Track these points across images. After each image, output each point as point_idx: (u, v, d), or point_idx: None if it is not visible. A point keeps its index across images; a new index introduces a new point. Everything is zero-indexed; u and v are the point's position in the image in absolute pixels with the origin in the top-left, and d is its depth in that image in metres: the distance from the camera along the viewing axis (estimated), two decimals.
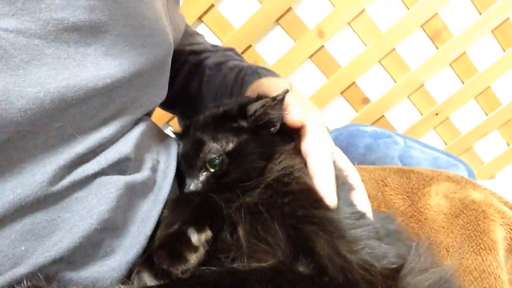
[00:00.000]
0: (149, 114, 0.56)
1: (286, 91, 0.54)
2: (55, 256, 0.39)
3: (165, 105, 0.84)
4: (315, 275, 0.40)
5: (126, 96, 0.47)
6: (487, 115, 1.68)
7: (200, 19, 1.44)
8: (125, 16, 0.45)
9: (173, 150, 0.56)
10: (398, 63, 1.58)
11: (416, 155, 1.15)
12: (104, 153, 0.45)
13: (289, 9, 1.47)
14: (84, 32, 0.42)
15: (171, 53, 0.57)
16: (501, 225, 0.58)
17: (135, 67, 0.47)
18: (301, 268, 0.41)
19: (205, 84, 0.77)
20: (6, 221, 0.37)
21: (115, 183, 0.44)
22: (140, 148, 0.49)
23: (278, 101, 0.53)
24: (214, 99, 0.74)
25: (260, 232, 0.44)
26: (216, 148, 0.53)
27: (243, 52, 1.51)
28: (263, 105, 0.53)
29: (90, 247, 0.42)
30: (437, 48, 1.57)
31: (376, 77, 1.60)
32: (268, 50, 1.53)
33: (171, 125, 1.52)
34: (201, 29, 1.46)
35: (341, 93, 1.61)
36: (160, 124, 1.49)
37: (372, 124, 1.63)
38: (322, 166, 0.52)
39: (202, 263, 0.41)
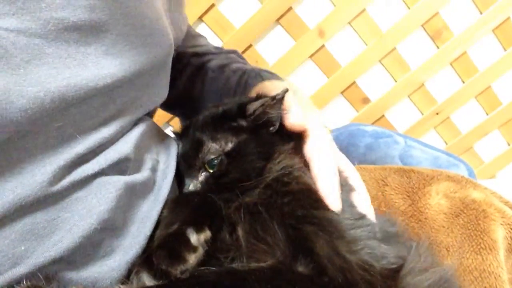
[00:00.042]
0: (150, 114, 0.56)
1: (286, 91, 0.54)
2: (55, 256, 0.39)
3: (167, 107, 0.84)
4: (315, 275, 0.40)
5: (126, 96, 0.47)
6: (487, 114, 1.68)
7: (200, 18, 1.44)
8: (126, 15, 0.45)
9: (173, 150, 0.56)
10: (398, 62, 1.58)
11: (416, 154, 1.15)
12: (104, 153, 0.45)
13: (290, 8, 1.47)
14: (85, 32, 0.42)
15: (172, 52, 0.57)
16: (501, 224, 0.58)
17: (135, 67, 0.47)
18: (301, 268, 0.41)
19: (208, 86, 0.77)
20: (6, 221, 0.37)
21: (115, 183, 0.44)
22: (140, 149, 0.49)
23: (278, 101, 0.53)
24: (217, 102, 0.74)
25: (260, 232, 0.44)
26: (215, 148, 0.52)
27: (243, 52, 1.51)
28: (263, 104, 0.53)
29: (90, 247, 0.42)
30: (437, 47, 1.57)
31: (376, 76, 1.60)
32: (268, 50, 1.53)
33: (171, 125, 1.52)
34: (201, 28, 1.46)
35: (342, 92, 1.61)
36: (160, 124, 1.49)
37: (373, 123, 1.63)
38: (326, 170, 0.52)
39: (201, 263, 0.41)
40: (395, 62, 1.58)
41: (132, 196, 0.46)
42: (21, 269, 0.37)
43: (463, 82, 1.63)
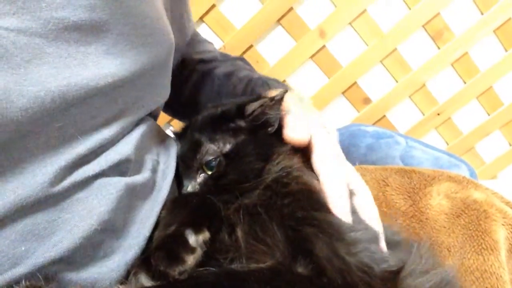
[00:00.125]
0: (152, 114, 0.56)
1: (285, 91, 0.53)
2: (54, 257, 0.39)
3: (173, 113, 0.84)
4: (314, 276, 0.40)
5: (128, 96, 0.47)
6: (489, 115, 1.68)
7: (201, 19, 1.44)
8: (126, 15, 0.45)
9: (173, 151, 0.56)
10: (399, 63, 1.58)
11: (417, 155, 1.15)
12: (104, 154, 0.45)
13: (291, 9, 1.47)
14: (85, 31, 0.42)
15: (173, 52, 0.57)
16: (502, 225, 0.58)
17: (136, 66, 0.47)
18: (300, 269, 0.40)
19: (214, 94, 0.76)
20: (7, 221, 0.37)
21: (116, 184, 0.44)
22: (141, 150, 0.49)
23: (276, 101, 0.53)
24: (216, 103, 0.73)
25: (259, 233, 0.43)
26: (213, 149, 0.52)
27: (244, 52, 1.51)
28: (261, 105, 0.53)
29: (90, 248, 0.41)
30: (438, 48, 1.57)
31: (377, 77, 1.60)
32: (269, 50, 1.53)
33: (172, 125, 1.52)
34: (202, 29, 1.46)
35: (343, 93, 1.61)
36: (161, 124, 1.49)
37: (374, 124, 1.63)
38: (335, 185, 0.50)
39: (200, 264, 0.41)
40: (396, 62, 1.58)
41: (133, 197, 0.46)
42: (20, 269, 0.37)
43: (465, 83, 1.63)
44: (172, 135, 0.61)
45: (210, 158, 0.52)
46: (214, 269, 0.41)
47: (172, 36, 0.56)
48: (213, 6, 1.43)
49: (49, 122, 0.39)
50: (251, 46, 1.51)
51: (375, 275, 0.41)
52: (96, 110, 0.43)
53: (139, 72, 0.47)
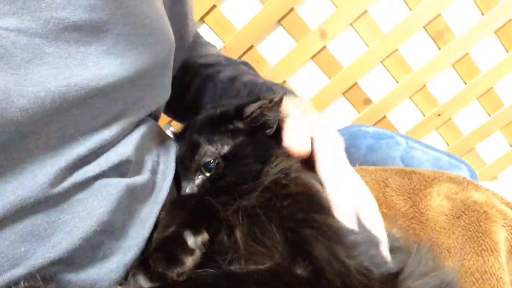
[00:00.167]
0: (152, 115, 0.55)
1: (284, 94, 0.53)
2: (54, 258, 0.39)
3: (175, 116, 0.84)
4: (313, 278, 0.40)
5: (128, 97, 0.47)
6: (489, 116, 1.68)
7: (202, 19, 1.44)
8: (126, 15, 0.45)
9: (173, 151, 0.56)
10: (400, 64, 1.58)
11: (418, 156, 1.15)
12: (105, 155, 0.44)
13: (291, 9, 1.47)
14: (85, 31, 0.42)
15: (173, 52, 0.57)
16: (503, 226, 0.58)
17: (136, 67, 0.47)
18: (299, 271, 0.40)
19: (217, 98, 0.75)
20: (7, 222, 0.37)
21: (116, 185, 0.44)
22: (141, 150, 0.49)
23: (275, 103, 0.53)
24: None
25: (258, 234, 0.43)
26: (212, 151, 0.52)
27: (245, 53, 1.51)
28: (260, 107, 0.53)
29: (90, 249, 0.41)
30: (439, 49, 1.57)
31: (378, 77, 1.60)
32: (270, 51, 1.53)
33: (172, 125, 1.52)
34: (203, 29, 1.46)
35: (343, 93, 1.61)
36: (161, 124, 1.49)
37: (374, 124, 1.63)
38: (340, 191, 0.50)
39: (199, 265, 0.41)
40: (397, 63, 1.57)
41: (133, 198, 0.46)
42: (20, 270, 0.37)
43: (465, 84, 1.62)
44: (171, 135, 0.61)
45: (208, 159, 0.52)
46: (212, 270, 0.41)
47: (172, 36, 0.56)
48: (214, 6, 1.43)
49: (49, 123, 0.39)
50: (251, 47, 1.51)
51: (374, 278, 0.41)
52: (97, 111, 0.43)
53: (139, 72, 0.47)
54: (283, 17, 1.47)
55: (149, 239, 0.46)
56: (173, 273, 0.39)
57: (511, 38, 1.57)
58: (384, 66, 1.58)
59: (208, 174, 0.52)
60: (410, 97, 1.63)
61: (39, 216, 0.39)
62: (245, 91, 0.71)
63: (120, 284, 0.42)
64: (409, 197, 0.62)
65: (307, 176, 0.51)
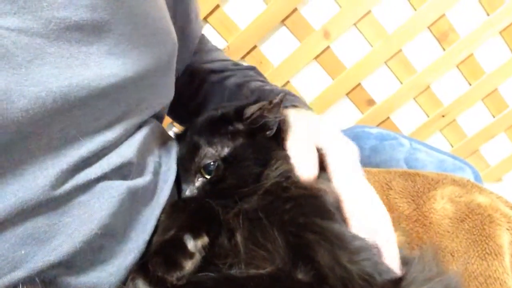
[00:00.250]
0: (156, 116, 0.55)
1: (283, 95, 0.53)
2: (54, 261, 0.38)
3: (181, 121, 0.83)
4: (314, 283, 0.39)
5: (131, 98, 0.47)
6: (494, 117, 1.67)
7: (205, 19, 1.44)
8: (128, 14, 0.45)
9: (174, 153, 0.55)
10: (404, 64, 1.57)
11: (421, 157, 1.14)
12: (107, 157, 0.44)
13: (295, 9, 1.47)
14: (86, 31, 0.41)
15: (176, 53, 0.57)
16: (507, 229, 0.57)
17: (139, 67, 0.46)
18: (300, 276, 0.40)
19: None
20: (7, 224, 0.37)
21: (118, 188, 0.43)
22: (143, 152, 0.49)
23: (275, 104, 0.52)
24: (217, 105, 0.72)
25: (259, 238, 0.43)
26: (212, 153, 0.52)
27: (248, 53, 1.51)
28: (260, 108, 0.52)
29: (90, 252, 0.41)
30: (443, 49, 1.56)
31: (382, 78, 1.59)
32: (273, 51, 1.53)
33: (175, 126, 1.52)
34: (206, 29, 1.46)
35: (347, 94, 1.60)
36: (164, 124, 1.49)
37: (378, 126, 1.62)
38: (360, 221, 0.49)
39: (199, 269, 0.41)
40: (401, 64, 1.57)
41: (134, 201, 0.45)
42: (19, 273, 0.37)
43: (470, 85, 1.62)
44: (173, 136, 0.61)
45: (208, 161, 0.51)
46: (213, 274, 0.40)
47: (175, 36, 0.55)
48: (217, 6, 1.43)
49: (51, 123, 0.39)
50: (255, 47, 1.51)
51: (376, 284, 0.41)
52: (99, 112, 0.43)
53: (142, 72, 0.47)
54: (287, 17, 1.47)
55: (150, 242, 0.45)
56: (173, 277, 0.39)
57: None
58: (388, 66, 1.57)
59: (208, 177, 0.51)
60: (414, 98, 1.63)
61: (39, 219, 0.38)
62: (253, 98, 0.70)
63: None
64: (413, 200, 0.62)
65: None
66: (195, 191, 0.52)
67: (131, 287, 0.40)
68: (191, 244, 0.41)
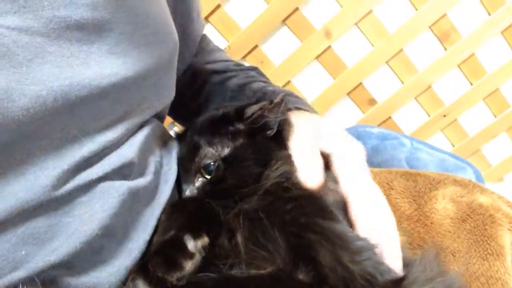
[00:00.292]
0: (157, 116, 0.55)
1: (284, 95, 0.53)
2: (54, 261, 0.38)
3: (183, 122, 0.83)
4: (315, 284, 0.39)
5: (132, 98, 0.46)
6: (495, 117, 1.67)
7: (206, 19, 1.44)
8: (129, 14, 0.45)
9: (175, 153, 0.55)
10: (405, 64, 1.57)
11: (423, 157, 1.14)
12: (108, 157, 0.44)
13: (296, 9, 1.46)
14: (87, 30, 0.41)
15: (177, 52, 0.56)
16: (508, 230, 0.57)
17: (139, 66, 0.46)
18: (301, 276, 0.40)
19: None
20: (8, 225, 0.37)
21: (118, 189, 0.43)
22: (144, 152, 0.49)
23: (276, 104, 0.52)
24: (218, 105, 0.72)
25: (260, 238, 0.43)
26: (212, 153, 0.52)
27: (249, 52, 1.51)
28: (261, 108, 0.52)
29: (90, 253, 0.41)
30: (445, 49, 1.56)
31: (383, 78, 1.59)
32: (274, 51, 1.53)
33: (176, 125, 1.52)
34: (207, 29, 1.45)
35: (348, 94, 1.60)
36: (165, 124, 1.49)
37: (379, 125, 1.62)
38: (365, 219, 0.48)
39: (199, 269, 0.41)
40: (402, 63, 1.57)
41: (135, 201, 0.45)
42: (20, 273, 0.37)
43: (471, 84, 1.61)
44: (174, 136, 0.61)
45: (208, 162, 0.51)
46: (213, 275, 0.40)
47: (176, 35, 0.55)
48: (218, 6, 1.43)
49: (51, 122, 0.39)
50: (256, 46, 1.51)
51: (378, 284, 0.40)
52: (100, 112, 0.43)
53: (143, 72, 0.47)
54: (288, 16, 1.47)
55: (150, 242, 0.45)
56: (173, 277, 0.38)
57: None
58: (389, 66, 1.57)
59: (208, 177, 0.51)
60: (415, 98, 1.62)
61: (40, 219, 0.38)
62: (254, 99, 0.70)
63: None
64: (414, 200, 0.61)
65: None
66: (195, 191, 0.52)
67: None
68: (191, 244, 0.41)
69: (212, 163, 0.51)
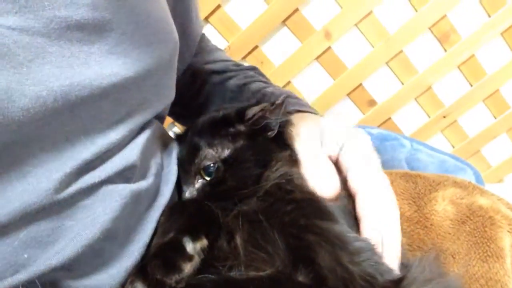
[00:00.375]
0: (158, 116, 0.55)
1: (285, 97, 0.53)
2: (56, 264, 0.38)
3: (184, 122, 0.83)
4: (315, 285, 0.39)
5: (133, 98, 0.46)
6: (495, 118, 1.67)
7: (206, 19, 1.44)
8: (129, 14, 0.45)
9: (175, 154, 0.55)
10: (405, 65, 1.57)
11: (423, 158, 1.14)
12: (110, 160, 0.44)
13: (296, 10, 1.46)
14: (88, 30, 0.41)
15: (177, 52, 0.56)
16: (508, 232, 0.57)
17: (140, 66, 0.46)
18: (301, 278, 0.39)
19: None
20: (11, 228, 0.36)
21: (121, 192, 0.43)
22: (146, 155, 0.49)
23: (277, 106, 0.52)
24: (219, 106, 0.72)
25: (259, 240, 0.43)
26: (212, 154, 0.51)
27: (249, 53, 1.51)
28: (262, 109, 0.52)
29: (92, 256, 0.41)
30: (445, 50, 1.56)
31: (383, 79, 1.59)
32: (274, 51, 1.53)
33: (176, 126, 1.52)
34: (207, 29, 1.46)
35: (348, 95, 1.60)
36: (165, 124, 1.49)
37: (379, 126, 1.62)
38: (371, 216, 0.48)
39: (198, 271, 0.40)
40: (402, 64, 1.57)
41: (136, 204, 0.45)
42: (21, 277, 0.37)
43: (471, 85, 1.62)
44: (173, 137, 0.61)
45: (208, 163, 0.51)
46: (212, 276, 0.40)
47: (176, 35, 0.55)
48: (218, 6, 1.43)
49: (52, 123, 0.39)
50: (256, 47, 1.51)
51: (378, 284, 0.40)
52: (101, 113, 0.43)
53: (144, 72, 0.47)
54: (288, 17, 1.47)
55: (150, 244, 0.45)
56: (172, 280, 0.38)
57: None
58: (389, 67, 1.57)
59: (208, 178, 0.51)
60: (415, 99, 1.63)
61: (42, 223, 0.38)
62: (254, 100, 0.70)
63: None
64: (414, 202, 0.61)
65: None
66: (195, 192, 0.52)
67: None
68: (190, 246, 0.41)
69: (212, 165, 0.51)
